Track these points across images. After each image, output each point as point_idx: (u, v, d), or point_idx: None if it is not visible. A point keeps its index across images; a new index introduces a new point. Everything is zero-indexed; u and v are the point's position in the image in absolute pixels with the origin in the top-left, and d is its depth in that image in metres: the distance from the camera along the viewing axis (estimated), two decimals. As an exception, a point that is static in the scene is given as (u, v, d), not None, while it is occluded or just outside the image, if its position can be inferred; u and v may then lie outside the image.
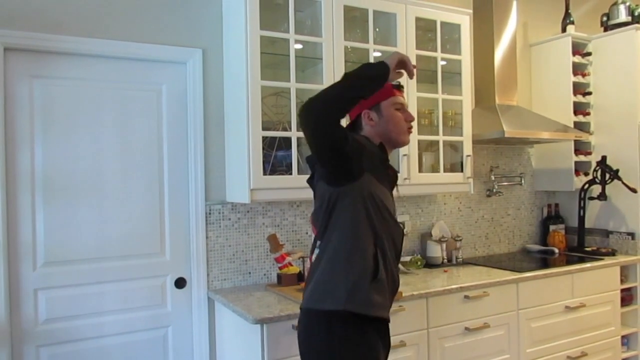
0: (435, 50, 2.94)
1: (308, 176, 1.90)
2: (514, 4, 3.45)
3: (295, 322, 2.06)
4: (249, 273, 2.73)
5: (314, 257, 1.85)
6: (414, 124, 2.76)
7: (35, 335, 2.30)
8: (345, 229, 1.73)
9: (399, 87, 1.92)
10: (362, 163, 1.72)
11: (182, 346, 2.61)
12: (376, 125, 1.86)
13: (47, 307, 2.32)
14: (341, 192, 1.73)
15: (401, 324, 2.41)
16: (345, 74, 1.68)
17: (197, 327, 2.61)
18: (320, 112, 1.58)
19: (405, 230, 3.16)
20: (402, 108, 1.89)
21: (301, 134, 2.57)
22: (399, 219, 3.05)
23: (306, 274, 2.29)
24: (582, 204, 3.57)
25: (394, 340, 1.99)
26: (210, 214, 2.64)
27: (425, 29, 2.99)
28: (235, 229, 2.70)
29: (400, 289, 2.21)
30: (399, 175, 2.68)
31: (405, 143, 1.93)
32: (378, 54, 2.79)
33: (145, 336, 2.52)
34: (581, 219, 3.59)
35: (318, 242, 1.85)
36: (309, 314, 1.76)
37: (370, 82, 1.66)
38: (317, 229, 1.86)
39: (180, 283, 2.60)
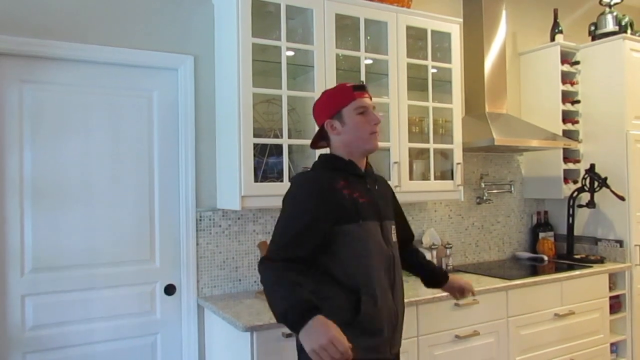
0: (426, 59, 2.96)
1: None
2: (504, 13, 3.48)
3: (285, 330, 2.06)
4: (239, 280, 2.72)
5: None
6: (403, 131, 2.81)
7: (22, 342, 2.27)
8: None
9: (361, 88, 1.73)
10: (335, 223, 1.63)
11: (171, 354, 2.59)
12: (341, 133, 1.71)
13: (35, 313, 2.29)
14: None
15: (391, 331, 2.41)
16: (283, 303, 1.51)
17: (187, 334, 2.59)
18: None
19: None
20: (365, 111, 1.70)
21: (292, 141, 2.58)
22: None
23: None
24: (571, 212, 3.60)
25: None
26: (200, 220, 2.63)
27: (415, 38, 3.01)
28: (225, 235, 2.69)
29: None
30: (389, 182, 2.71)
31: (372, 149, 1.74)
32: (369, 62, 2.81)
33: (134, 343, 2.50)
34: (570, 227, 3.62)
35: None
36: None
37: (282, 319, 1.51)
38: None
39: (169, 290, 2.58)
